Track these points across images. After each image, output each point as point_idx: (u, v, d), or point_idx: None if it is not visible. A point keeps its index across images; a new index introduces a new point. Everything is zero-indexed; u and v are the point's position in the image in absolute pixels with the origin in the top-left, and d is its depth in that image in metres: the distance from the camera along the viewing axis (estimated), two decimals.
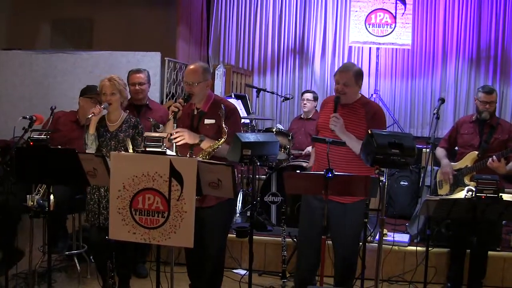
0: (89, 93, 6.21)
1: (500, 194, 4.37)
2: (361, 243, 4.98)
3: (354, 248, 5.13)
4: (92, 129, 5.31)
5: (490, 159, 5.96)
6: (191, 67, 5.24)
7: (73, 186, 5.88)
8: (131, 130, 5.48)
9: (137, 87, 6.43)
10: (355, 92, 5.15)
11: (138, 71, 6.57)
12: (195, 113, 5.26)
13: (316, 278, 5.50)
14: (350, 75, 5.09)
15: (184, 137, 4.95)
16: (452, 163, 6.46)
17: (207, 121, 5.13)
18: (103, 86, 5.40)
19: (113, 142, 5.40)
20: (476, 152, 6.23)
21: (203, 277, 5.41)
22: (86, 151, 5.09)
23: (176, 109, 4.98)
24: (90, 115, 5.29)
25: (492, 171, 5.78)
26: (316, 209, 5.03)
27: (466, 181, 6.21)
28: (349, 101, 5.15)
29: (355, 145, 4.91)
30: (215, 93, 6.31)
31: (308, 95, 8.76)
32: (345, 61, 12.11)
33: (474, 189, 4.45)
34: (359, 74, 5.14)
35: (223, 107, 4.95)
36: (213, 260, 5.32)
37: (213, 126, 5.14)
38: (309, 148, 8.05)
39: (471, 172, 6.18)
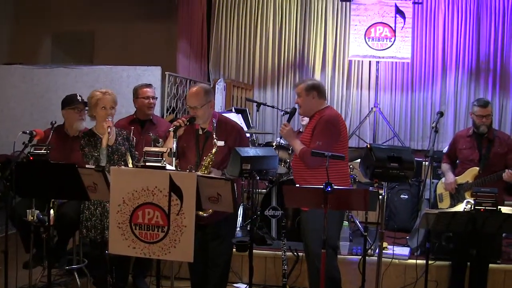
0: (71, 104, 6.20)
1: (499, 206, 4.38)
2: (360, 256, 4.99)
3: (319, 253, 4.93)
4: (105, 143, 5.32)
5: (507, 171, 5.99)
6: (193, 90, 5.30)
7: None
8: (126, 143, 5.50)
9: (151, 101, 6.48)
10: (309, 101, 5.50)
11: (149, 85, 6.63)
12: (201, 133, 5.30)
13: None
14: (302, 87, 5.51)
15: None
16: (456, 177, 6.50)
17: (219, 143, 5.13)
18: (101, 99, 5.39)
19: (116, 156, 5.41)
20: (477, 168, 6.24)
21: None
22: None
23: (178, 124, 5.01)
24: (108, 130, 5.32)
25: (495, 185, 5.76)
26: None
27: (467, 196, 6.19)
28: (309, 112, 5.59)
29: (295, 147, 5.44)
30: (216, 106, 6.34)
31: None
32: (345, 74, 12.20)
33: (473, 202, 4.46)
34: (311, 87, 5.49)
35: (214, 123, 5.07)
36: (218, 274, 5.34)
37: (222, 149, 5.18)
38: None
39: (472, 188, 6.18)
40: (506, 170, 5.99)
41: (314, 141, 5.24)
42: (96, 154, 5.31)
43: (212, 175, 4.99)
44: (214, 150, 5.03)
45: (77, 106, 6.14)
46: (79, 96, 6.21)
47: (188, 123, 5.11)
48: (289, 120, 5.63)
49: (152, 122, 6.53)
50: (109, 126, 5.34)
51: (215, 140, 5.07)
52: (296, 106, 5.62)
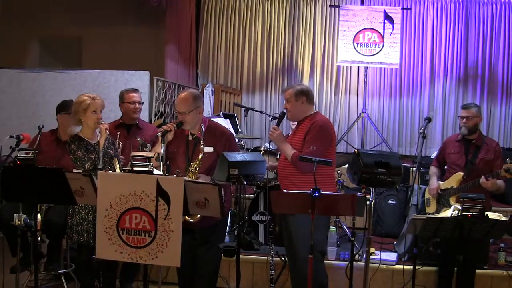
0: (67, 109, 6.19)
1: (486, 212, 4.39)
2: (348, 262, 4.99)
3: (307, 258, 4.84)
4: (102, 145, 5.37)
5: (483, 178, 5.99)
6: (182, 95, 5.33)
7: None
8: (113, 147, 5.51)
9: (137, 106, 6.49)
10: (297, 107, 5.52)
11: (135, 90, 6.64)
12: (190, 138, 5.32)
13: None
14: (290, 92, 5.53)
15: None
16: (440, 182, 6.51)
17: (206, 149, 5.17)
18: (92, 104, 5.38)
19: (106, 159, 5.41)
20: (462, 174, 6.26)
21: None
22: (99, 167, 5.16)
23: (168, 129, 5.02)
24: (107, 133, 5.38)
25: (479, 190, 5.77)
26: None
27: (452, 201, 6.22)
28: (298, 117, 5.61)
29: (286, 152, 5.43)
30: (204, 111, 6.35)
31: None
32: (334, 80, 12.22)
33: (460, 207, 4.47)
34: (300, 92, 5.51)
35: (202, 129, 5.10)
36: (205, 281, 5.35)
37: (211, 155, 5.21)
38: None
39: (457, 193, 6.20)
40: (482, 177, 5.99)
41: (307, 146, 5.25)
42: (93, 157, 5.31)
43: (199, 180, 5.02)
44: (200, 156, 5.05)
45: (70, 111, 6.14)
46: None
47: (176, 127, 5.11)
48: (278, 124, 5.64)
49: (138, 127, 6.53)
50: (106, 129, 5.39)
51: (202, 145, 5.08)
52: (285, 110, 5.61)
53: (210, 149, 5.18)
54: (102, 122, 5.43)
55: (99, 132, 5.45)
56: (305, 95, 5.49)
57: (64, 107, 6.27)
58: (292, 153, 5.33)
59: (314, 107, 5.62)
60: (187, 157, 5.30)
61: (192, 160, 5.21)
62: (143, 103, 6.62)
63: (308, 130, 5.34)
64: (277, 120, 5.71)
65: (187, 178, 4.74)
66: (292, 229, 5.40)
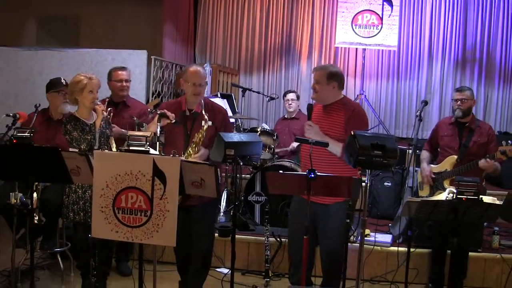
0: (56, 87, 6.20)
1: (481, 196, 4.41)
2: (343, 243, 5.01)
3: (339, 250, 5.10)
4: (98, 126, 5.36)
5: (482, 160, 6.00)
6: (199, 69, 5.39)
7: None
8: (109, 126, 5.51)
9: (124, 84, 6.46)
10: (328, 91, 5.25)
11: (123, 68, 6.59)
12: (188, 114, 5.34)
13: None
14: (323, 73, 5.23)
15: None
16: (432, 166, 6.51)
17: (206, 124, 5.19)
18: (89, 84, 5.34)
19: (102, 139, 5.40)
20: (455, 156, 6.24)
21: (189, 272, 5.48)
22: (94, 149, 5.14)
23: (168, 117, 5.02)
24: (103, 114, 5.39)
25: (473, 174, 5.78)
26: (302, 209, 5.03)
27: (446, 185, 6.23)
28: (326, 101, 5.30)
29: (335, 148, 5.03)
30: None
31: (292, 95, 8.75)
32: (332, 61, 12.12)
33: (455, 191, 4.48)
34: (333, 75, 5.23)
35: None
36: (201, 257, 5.38)
37: (210, 129, 5.22)
38: (294, 144, 8.13)
39: (451, 176, 6.22)
40: (482, 160, 5.99)
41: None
42: (89, 138, 5.29)
43: (201, 152, 5.16)
44: (205, 126, 5.07)
45: (61, 89, 6.12)
46: (63, 79, 6.19)
47: (174, 123, 5.11)
48: (309, 118, 5.21)
49: (126, 105, 6.51)
50: (103, 110, 5.38)
51: (206, 116, 5.15)
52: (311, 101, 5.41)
53: (209, 122, 5.19)
54: (98, 103, 5.42)
55: (96, 112, 5.44)
56: (337, 80, 5.25)
57: (52, 85, 6.23)
58: (341, 147, 5.00)
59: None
60: (185, 132, 5.32)
61: (192, 135, 5.24)
62: (130, 81, 6.57)
63: (348, 117, 5.14)
64: (307, 114, 5.24)
65: (189, 150, 4.97)
66: (325, 219, 5.19)
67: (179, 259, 5.64)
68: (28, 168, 4.54)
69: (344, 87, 5.36)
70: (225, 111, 5.64)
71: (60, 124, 5.66)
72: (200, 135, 5.14)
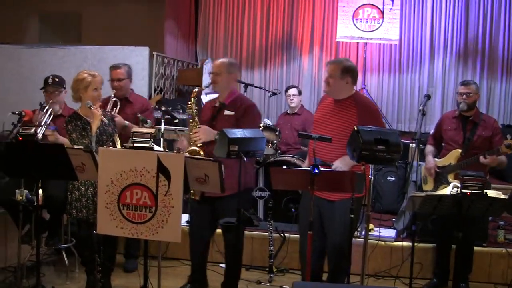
0: (43, 86, 6.27)
1: (485, 190, 4.40)
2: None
3: (344, 245, 5.05)
4: (95, 130, 5.28)
5: (481, 157, 5.99)
6: (219, 59, 5.67)
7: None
8: (112, 123, 5.50)
9: (115, 83, 6.38)
10: (341, 86, 5.20)
11: (117, 67, 6.50)
12: (217, 105, 5.54)
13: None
14: (337, 67, 5.20)
15: (200, 136, 5.28)
16: (437, 159, 6.49)
17: (226, 112, 5.37)
18: (93, 81, 5.34)
19: (104, 137, 5.39)
20: (460, 150, 6.21)
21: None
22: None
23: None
24: (100, 119, 5.33)
25: (477, 167, 5.77)
26: (308, 205, 5.02)
27: (450, 179, 6.20)
28: (338, 95, 5.25)
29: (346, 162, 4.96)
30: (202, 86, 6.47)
31: (294, 91, 8.76)
32: (333, 56, 12.10)
33: (459, 185, 4.48)
34: (347, 70, 5.21)
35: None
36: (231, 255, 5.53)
37: (231, 118, 5.34)
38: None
39: (455, 170, 6.20)
40: (481, 156, 5.97)
41: None
42: (86, 142, 5.27)
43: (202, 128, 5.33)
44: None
45: (46, 89, 6.15)
46: (51, 78, 6.20)
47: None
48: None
49: (128, 101, 6.48)
50: (102, 115, 5.34)
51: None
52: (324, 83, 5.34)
53: (231, 113, 5.36)
54: (93, 107, 5.38)
55: (93, 116, 5.37)
56: (351, 75, 5.24)
57: (43, 84, 6.28)
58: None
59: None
60: (210, 121, 5.48)
61: (216, 123, 5.39)
62: (124, 79, 6.49)
63: (361, 115, 5.08)
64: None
65: (187, 154, 4.83)
66: (331, 215, 5.20)
67: (194, 257, 5.72)
68: (34, 165, 4.56)
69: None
70: (250, 103, 5.63)
71: (60, 119, 5.71)
72: (190, 111, 5.43)
